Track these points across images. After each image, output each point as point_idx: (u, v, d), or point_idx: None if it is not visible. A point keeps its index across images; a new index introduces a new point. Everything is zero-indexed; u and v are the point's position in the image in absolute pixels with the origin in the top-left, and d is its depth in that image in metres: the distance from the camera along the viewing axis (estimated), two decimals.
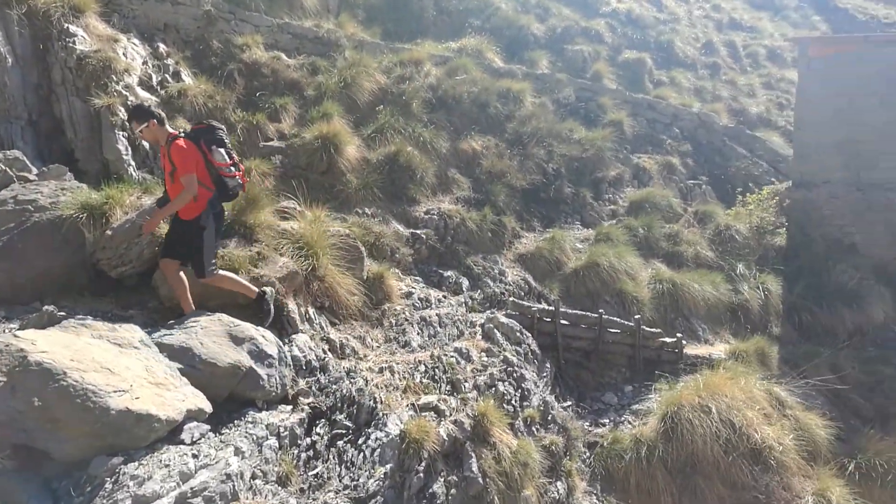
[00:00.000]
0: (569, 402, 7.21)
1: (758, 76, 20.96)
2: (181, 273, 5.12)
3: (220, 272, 5.19)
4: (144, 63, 8.85)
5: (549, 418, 6.44)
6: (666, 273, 9.85)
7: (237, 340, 4.68)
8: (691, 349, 8.54)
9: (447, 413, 5.59)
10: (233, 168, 5.22)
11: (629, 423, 7.08)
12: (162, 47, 9.44)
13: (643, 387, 7.68)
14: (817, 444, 6.89)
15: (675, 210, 11.72)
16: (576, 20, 16.98)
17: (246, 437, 4.14)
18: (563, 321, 7.84)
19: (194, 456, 3.77)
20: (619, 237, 10.24)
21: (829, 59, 11.87)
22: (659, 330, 8.27)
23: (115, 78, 7.91)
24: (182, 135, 5.14)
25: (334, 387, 5.16)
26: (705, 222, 11.60)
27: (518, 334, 7.17)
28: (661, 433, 6.51)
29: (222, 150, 5.17)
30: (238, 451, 3.96)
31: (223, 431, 4.14)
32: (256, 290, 5.32)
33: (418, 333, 6.87)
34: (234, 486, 3.72)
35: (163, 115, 5.18)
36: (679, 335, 8.26)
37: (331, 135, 8.73)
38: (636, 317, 8.02)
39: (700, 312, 9.69)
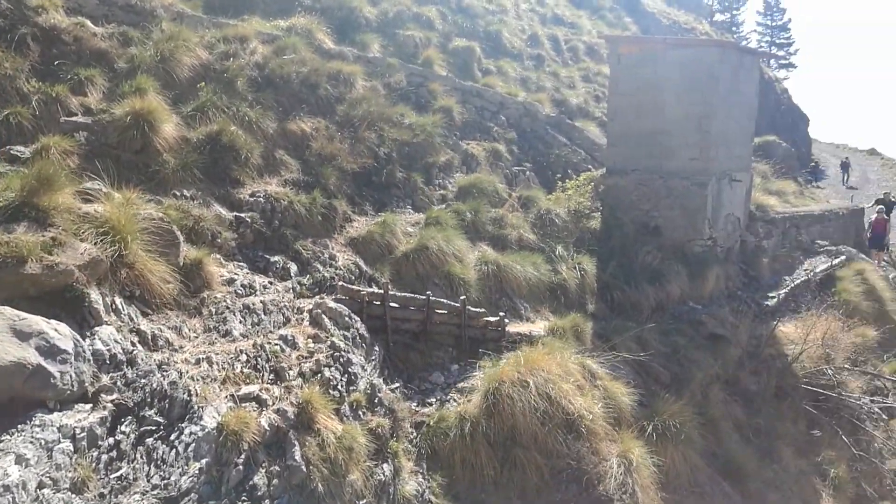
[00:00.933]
0: (397, 384, 7.28)
1: (577, 69, 22.33)
2: None
3: None
4: None
5: (377, 401, 6.46)
6: (491, 255, 10.22)
7: (22, 335, 4.21)
8: (514, 327, 8.95)
9: (270, 402, 5.43)
10: None
11: (455, 401, 7.29)
12: None
13: (469, 365, 7.94)
14: (622, 410, 7.51)
15: (500, 195, 12.19)
16: (408, 5, 17.05)
17: (32, 442, 3.74)
18: (392, 304, 7.89)
19: None
20: (448, 221, 10.47)
21: (636, 56, 12.90)
22: (484, 310, 8.57)
23: None
24: None
25: (143, 381, 4.82)
26: (528, 207, 12.18)
27: (347, 319, 7.11)
28: (483, 409, 6.77)
29: None
30: (21, 459, 3.57)
31: (2, 438, 3.71)
32: None
33: (241, 321, 6.60)
34: (13, 498, 3.34)
35: None
36: (502, 314, 8.62)
37: (145, 111, 8.09)
38: (462, 298, 8.25)
39: (523, 292, 10.17)
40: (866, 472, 10.09)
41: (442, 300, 8.33)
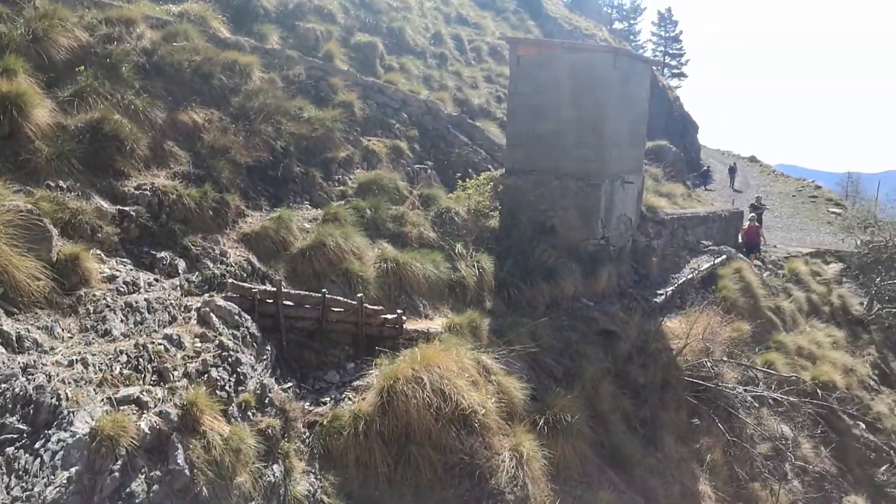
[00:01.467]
0: (290, 384, 7.12)
1: (480, 70, 22.63)
2: None
3: None
4: None
5: (267, 401, 6.30)
6: (391, 253, 10.19)
7: None
8: (412, 324, 8.95)
9: (151, 405, 5.19)
10: None
11: (350, 399, 7.21)
12: None
13: (365, 363, 7.85)
14: (515, 404, 7.67)
15: (401, 192, 12.17)
16: None
17: None
18: (286, 302, 7.72)
19: None
20: (347, 218, 10.35)
21: (534, 59, 13.20)
22: (382, 307, 8.52)
23: None
24: None
25: (3, 386, 4.47)
26: (429, 205, 12.23)
27: (237, 317, 6.90)
28: (378, 407, 6.74)
29: None
30: None
31: None
32: None
33: (122, 321, 6.26)
34: None
35: None
36: (400, 311, 8.60)
37: (14, 94, 7.51)
38: (359, 295, 8.17)
39: (422, 289, 10.20)
40: (739, 457, 10.78)
41: (339, 298, 8.22)
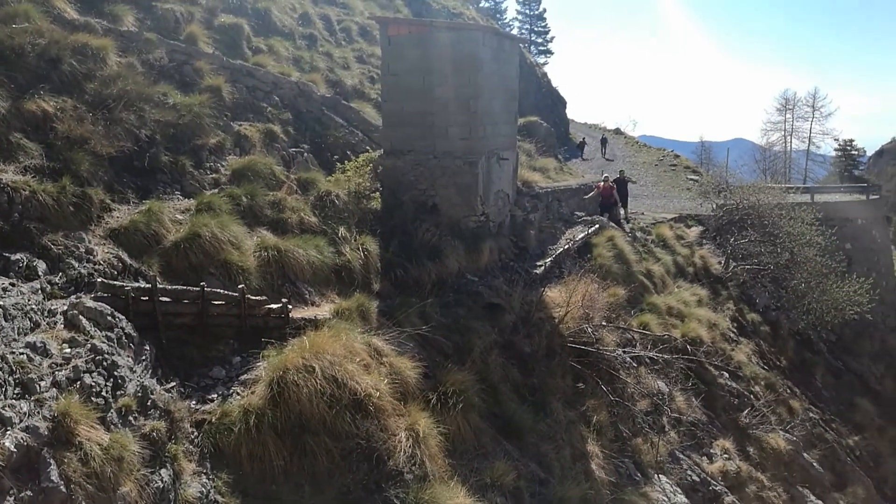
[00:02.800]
0: (173, 383, 6.79)
1: (352, 50, 22.29)
2: None
3: None
4: None
5: (150, 404, 5.98)
6: (271, 240, 9.89)
7: None
8: (298, 312, 8.77)
9: (16, 420, 4.79)
10: None
11: (238, 394, 7.00)
12: None
13: (252, 356, 7.64)
14: (408, 384, 7.72)
15: (278, 178, 11.82)
16: None
17: None
18: (163, 298, 7.34)
19: None
20: (222, 206, 9.94)
21: (405, 39, 13.15)
22: (265, 297, 8.29)
23: None
24: None
25: None
26: (308, 189, 11.97)
27: (109, 318, 6.49)
28: (269, 399, 6.59)
29: None
30: None
31: None
32: None
33: None
34: None
35: None
36: (285, 300, 8.40)
37: None
38: (240, 286, 7.90)
39: (306, 276, 9.99)
40: (622, 415, 11.43)
41: (219, 291, 7.92)
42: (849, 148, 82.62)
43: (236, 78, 14.03)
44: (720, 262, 22.14)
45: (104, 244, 8.26)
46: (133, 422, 5.69)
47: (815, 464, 15.16)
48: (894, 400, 24.24)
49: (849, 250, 25.50)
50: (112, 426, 5.40)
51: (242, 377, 7.30)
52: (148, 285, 7.30)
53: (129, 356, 6.31)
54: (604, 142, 45.23)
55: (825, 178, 74.90)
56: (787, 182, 52.06)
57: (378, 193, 13.23)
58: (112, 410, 5.50)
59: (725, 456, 12.91)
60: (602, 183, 20.74)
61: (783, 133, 70.68)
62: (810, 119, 69.89)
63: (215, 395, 7.00)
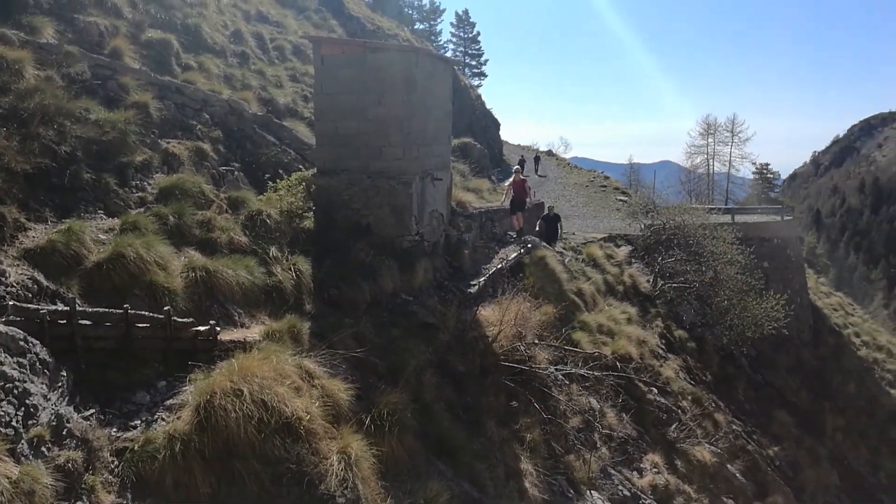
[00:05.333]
0: (92, 410, 6.49)
1: (285, 69, 22.12)
2: None
3: None
4: None
5: (65, 433, 5.69)
6: (200, 261, 9.63)
7: None
8: (227, 335, 8.54)
9: None
10: None
11: (163, 420, 6.74)
12: None
13: (178, 380, 7.38)
14: (341, 406, 7.59)
15: (207, 196, 11.53)
16: None
17: None
18: (82, 321, 7.03)
19: None
20: (148, 226, 9.62)
21: (339, 58, 13.13)
22: (192, 319, 8.03)
23: None
24: None
25: None
26: (238, 208, 11.73)
27: (22, 343, 6.14)
28: (195, 424, 6.35)
29: None
30: None
31: None
32: None
33: None
34: None
35: None
36: (213, 322, 8.17)
37: None
38: (166, 308, 7.65)
39: (236, 297, 9.75)
40: (555, 433, 11.55)
41: (143, 313, 7.63)
42: (765, 171, 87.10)
43: (165, 94, 13.69)
44: (649, 281, 22.81)
45: (18, 265, 7.85)
46: (46, 452, 5.40)
47: (738, 474, 15.68)
48: (809, 412, 25.43)
49: (766, 268, 26.72)
50: (23, 458, 5.10)
51: (168, 402, 7.03)
52: (66, 308, 6.98)
53: (43, 383, 5.99)
54: (537, 160, 50.90)
55: (744, 199, 78.61)
56: (710, 203, 54.27)
57: (311, 213, 13.09)
58: (23, 441, 5.21)
59: (655, 470, 13.22)
60: (513, 177, 19.07)
61: (706, 156, 73.70)
62: (730, 143, 73.14)
63: (138, 422, 6.71)
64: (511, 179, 19.14)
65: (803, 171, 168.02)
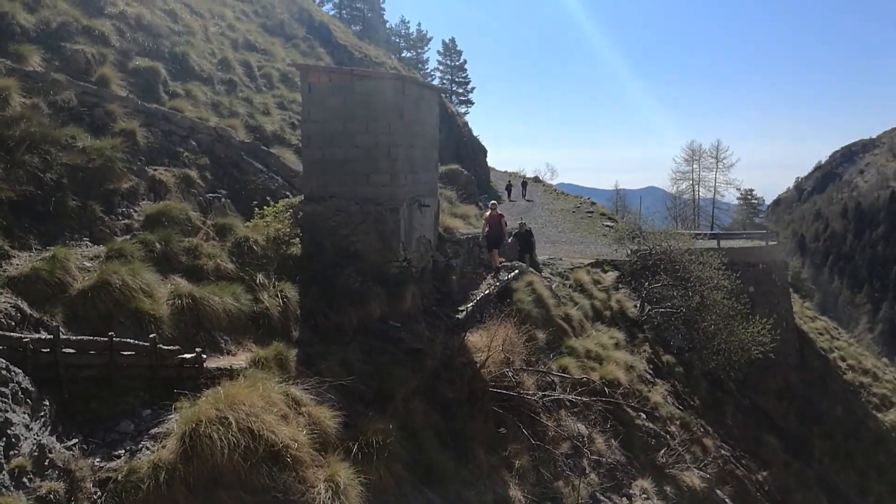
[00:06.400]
0: (75, 440, 6.40)
1: (272, 96, 22.25)
2: None
3: None
4: None
5: (47, 463, 5.61)
6: (186, 288, 9.58)
7: None
8: (213, 362, 8.48)
9: None
10: None
11: (148, 449, 6.64)
12: None
13: (164, 408, 7.30)
14: (328, 434, 7.53)
15: (194, 223, 11.52)
16: (76, 17, 15.35)
17: None
18: (66, 349, 6.96)
19: None
20: (134, 253, 9.59)
21: (326, 86, 13.24)
22: (178, 347, 7.97)
23: None
24: None
25: None
26: (225, 235, 11.71)
27: (4, 372, 6.08)
28: (180, 453, 6.27)
29: None
30: None
31: None
32: None
33: None
34: None
35: None
36: (199, 350, 8.10)
37: None
38: (152, 336, 7.60)
39: (223, 325, 9.69)
40: (543, 459, 11.48)
41: (128, 341, 7.58)
42: (749, 197, 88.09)
43: (152, 122, 13.72)
44: (636, 306, 22.89)
45: (1, 293, 7.78)
46: (28, 484, 5.31)
47: (727, 500, 15.61)
48: (797, 435, 25.45)
49: (752, 293, 26.91)
50: (4, 489, 5.03)
51: (153, 431, 6.94)
52: (49, 336, 6.92)
53: (25, 413, 5.92)
54: (524, 185, 51.74)
55: (730, 224, 79.38)
56: (695, 228, 54.74)
57: (298, 239, 13.08)
58: (4, 472, 5.13)
59: (644, 496, 13.12)
60: (489, 212, 18.13)
61: (691, 182, 74.56)
62: (714, 169, 74.08)
63: (122, 451, 6.61)
64: (487, 213, 18.18)
65: (787, 197, 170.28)
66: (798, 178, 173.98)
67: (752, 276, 28.53)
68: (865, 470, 27.47)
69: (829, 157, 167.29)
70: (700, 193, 74.50)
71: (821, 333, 39.98)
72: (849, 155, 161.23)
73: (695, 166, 74.66)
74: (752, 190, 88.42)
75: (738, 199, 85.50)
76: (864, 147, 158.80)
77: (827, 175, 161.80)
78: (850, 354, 38.99)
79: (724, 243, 31.47)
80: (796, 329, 34.59)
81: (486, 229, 17.85)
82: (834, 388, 32.84)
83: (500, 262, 17.84)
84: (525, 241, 20.64)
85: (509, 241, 19.55)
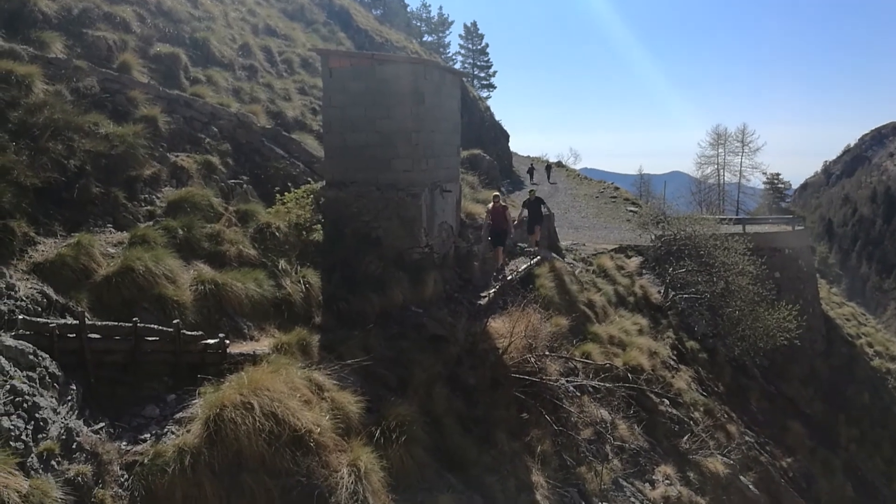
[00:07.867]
0: (102, 424, 6.47)
1: (293, 81, 22.21)
2: None
3: None
4: None
5: (75, 446, 5.66)
6: (209, 274, 9.64)
7: None
8: (236, 347, 8.53)
9: None
10: None
11: (173, 433, 6.69)
12: None
13: (188, 393, 7.34)
14: (351, 418, 7.54)
15: (216, 209, 11.55)
16: (97, 3, 15.39)
17: None
18: (91, 335, 7.02)
19: None
20: (157, 239, 9.66)
21: (347, 71, 13.16)
22: (201, 332, 8.02)
23: None
24: None
25: None
26: (247, 221, 11.74)
27: (31, 357, 6.14)
28: (205, 438, 6.32)
29: None
30: None
31: None
32: None
33: None
34: None
35: None
36: (222, 335, 8.15)
37: None
38: (175, 321, 7.63)
39: (245, 310, 9.74)
40: (566, 444, 11.42)
41: (153, 326, 7.64)
42: (776, 181, 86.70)
43: (173, 108, 13.75)
44: (660, 292, 22.66)
45: (27, 279, 7.87)
46: (56, 466, 5.37)
47: (751, 486, 15.45)
48: (823, 422, 25.12)
49: (777, 279, 26.50)
50: (33, 472, 5.08)
51: (177, 415, 7.00)
52: (75, 321, 6.98)
53: (52, 397, 5.98)
54: (548, 168, 52.36)
55: (755, 209, 78.31)
56: (720, 213, 54.06)
57: (320, 225, 13.07)
58: (33, 455, 5.18)
59: (667, 482, 13.03)
60: (491, 204, 16.07)
61: (716, 167, 73.56)
62: (740, 153, 72.96)
63: (148, 435, 6.68)
64: (490, 205, 16.08)
65: (814, 181, 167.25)
66: (826, 161, 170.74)
67: (777, 261, 28.07)
68: (892, 457, 27.08)
69: (859, 139, 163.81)
70: (725, 178, 73.54)
71: (848, 319, 39.35)
72: (879, 138, 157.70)
73: (720, 150, 73.65)
74: (778, 174, 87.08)
75: (764, 183, 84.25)
76: (894, 130, 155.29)
77: (856, 158, 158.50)
78: (878, 340, 38.36)
79: (750, 228, 30.99)
80: (823, 315, 34.06)
81: (489, 223, 16.03)
82: (861, 374, 32.33)
83: (505, 261, 16.64)
84: (535, 210, 18.46)
85: (521, 215, 18.37)
